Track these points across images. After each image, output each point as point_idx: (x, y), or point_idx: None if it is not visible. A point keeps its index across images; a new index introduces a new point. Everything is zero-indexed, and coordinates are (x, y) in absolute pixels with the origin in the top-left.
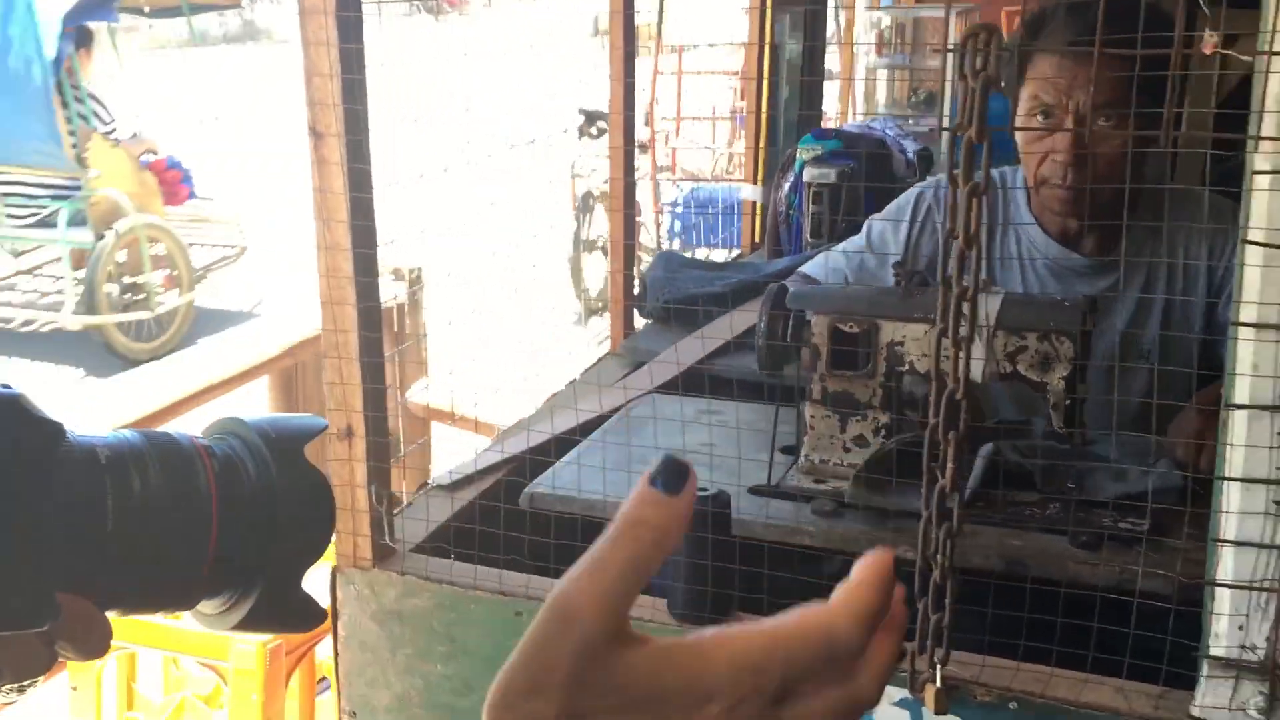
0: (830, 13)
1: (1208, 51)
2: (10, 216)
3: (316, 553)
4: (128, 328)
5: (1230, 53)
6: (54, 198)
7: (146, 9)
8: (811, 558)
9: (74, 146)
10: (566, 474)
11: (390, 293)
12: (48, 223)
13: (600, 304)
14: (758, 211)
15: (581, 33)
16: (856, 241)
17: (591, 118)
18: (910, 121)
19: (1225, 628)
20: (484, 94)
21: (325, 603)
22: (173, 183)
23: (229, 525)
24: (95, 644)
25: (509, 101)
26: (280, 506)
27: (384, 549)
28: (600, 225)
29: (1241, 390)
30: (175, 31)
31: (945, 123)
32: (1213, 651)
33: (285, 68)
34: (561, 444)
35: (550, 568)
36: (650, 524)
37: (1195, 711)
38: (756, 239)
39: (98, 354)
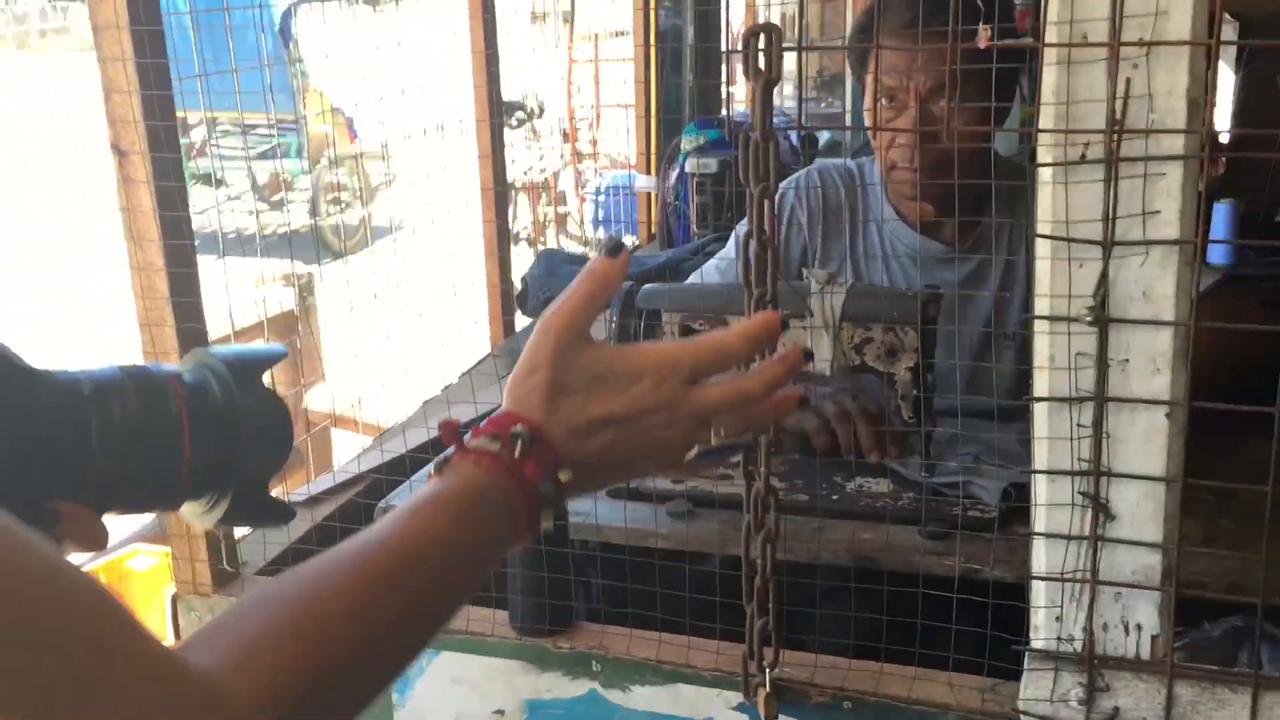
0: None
1: (982, 45)
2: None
3: (278, 460)
4: (335, 229)
5: (1007, 42)
6: (283, 134)
7: None
8: (671, 557)
9: (295, 94)
10: None
11: (279, 300)
12: (275, 154)
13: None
14: (652, 202)
15: (519, 19)
16: (728, 248)
17: (510, 108)
18: (820, 105)
19: (1043, 620)
20: (418, 84)
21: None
22: (345, 125)
23: (199, 440)
24: (93, 541)
25: (439, 91)
26: (242, 422)
27: (225, 574)
28: (524, 216)
29: (1041, 383)
30: None
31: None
32: (1033, 644)
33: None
34: (429, 453)
35: None
36: (599, 272)
37: (1020, 705)
38: (653, 230)
39: (311, 249)
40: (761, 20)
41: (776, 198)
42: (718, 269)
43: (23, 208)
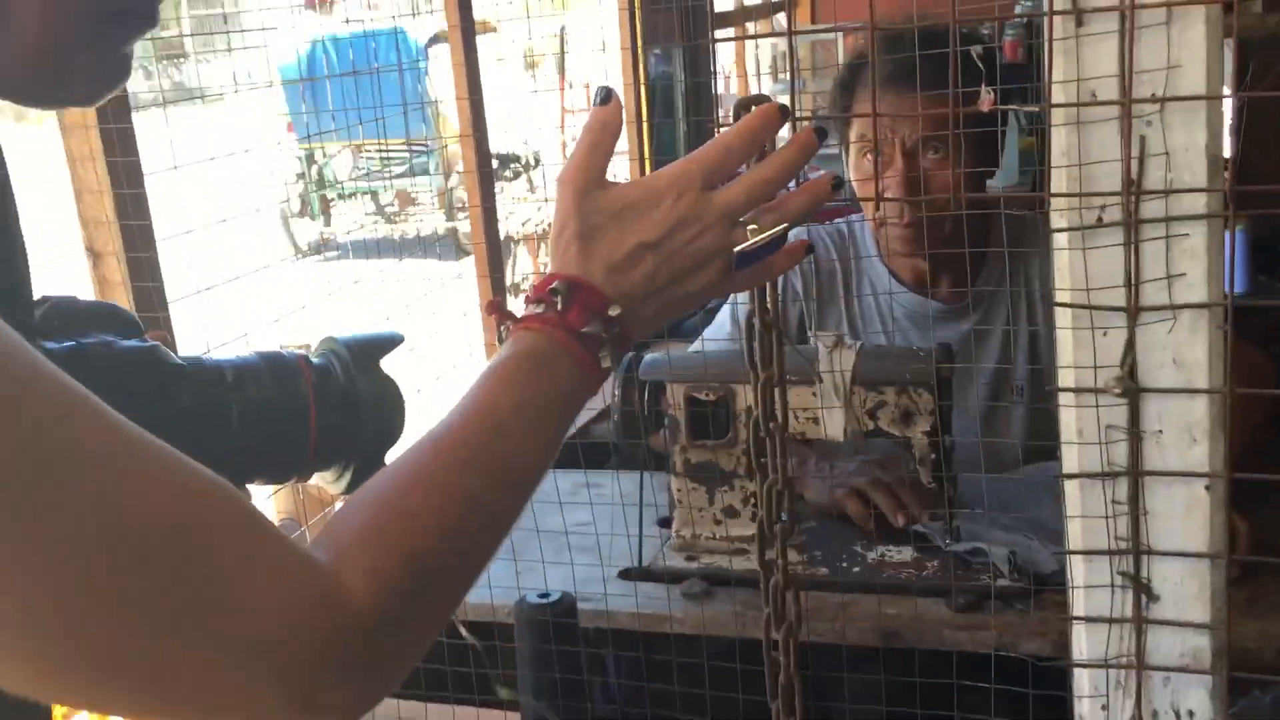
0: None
1: (985, 109)
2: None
3: (393, 434)
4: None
5: (1010, 108)
6: (421, 155)
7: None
8: (687, 640)
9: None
10: None
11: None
12: (417, 170)
13: None
14: None
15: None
16: (723, 316)
17: (505, 160)
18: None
19: (1089, 710)
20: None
21: None
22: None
23: (324, 416)
24: None
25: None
26: (361, 401)
27: None
28: (523, 265)
29: (1070, 459)
30: None
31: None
32: None
33: None
34: None
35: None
36: (597, 120)
37: None
38: None
39: (451, 249)
40: (751, 59)
41: None
42: (723, 334)
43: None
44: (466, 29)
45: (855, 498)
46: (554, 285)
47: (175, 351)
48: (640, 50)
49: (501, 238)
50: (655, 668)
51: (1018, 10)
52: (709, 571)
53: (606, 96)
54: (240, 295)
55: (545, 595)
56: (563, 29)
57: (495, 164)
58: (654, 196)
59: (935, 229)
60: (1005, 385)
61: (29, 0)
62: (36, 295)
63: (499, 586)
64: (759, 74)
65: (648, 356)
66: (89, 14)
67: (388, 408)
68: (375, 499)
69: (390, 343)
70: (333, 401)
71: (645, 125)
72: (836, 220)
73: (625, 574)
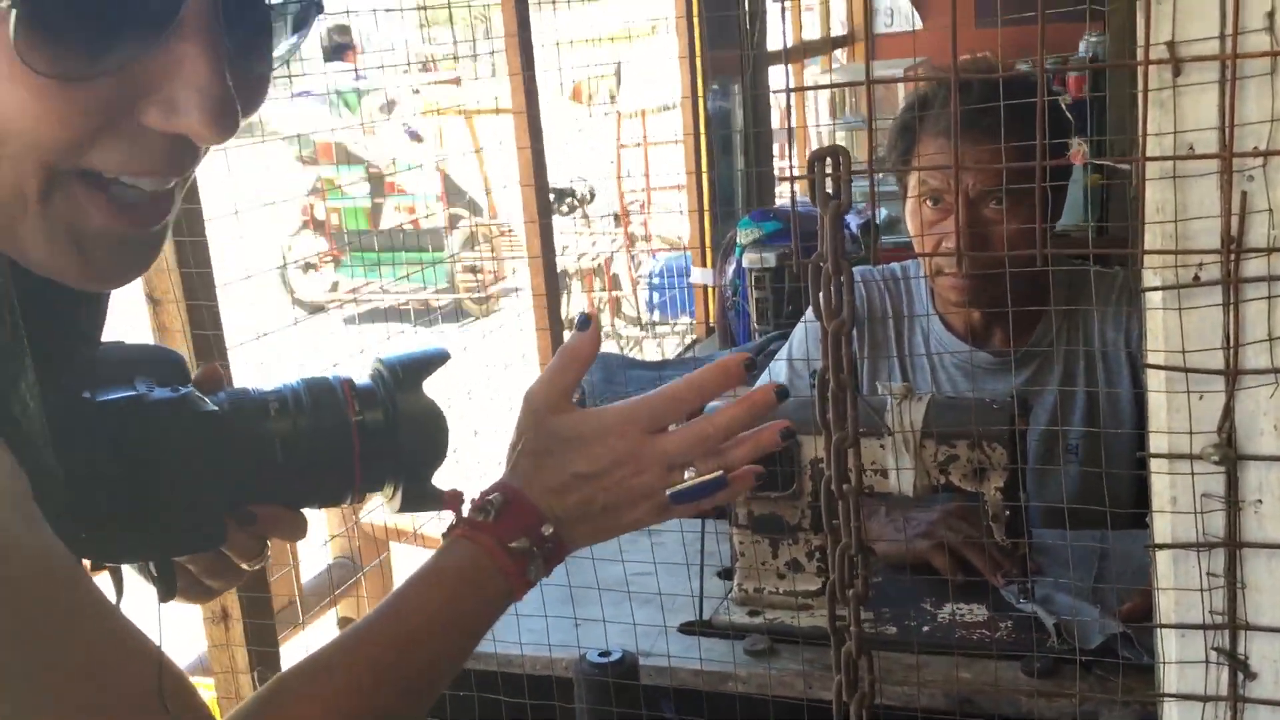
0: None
1: (1076, 161)
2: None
3: (437, 456)
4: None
5: (1104, 161)
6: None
7: None
8: (750, 700)
9: None
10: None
11: None
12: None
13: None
14: (710, 295)
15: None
16: (781, 356)
17: (561, 195)
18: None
19: None
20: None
21: None
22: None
23: (368, 440)
24: (292, 533)
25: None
26: (402, 422)
27: None
28: (577, 302)
29: (1163, 528)
30: None
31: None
32: None
33: None
34: None
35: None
36: (572, 346)
37: None
38: (711, 324)
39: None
40: (810, 97)
41: None
42: (782, 361)
43: None
44: (529, 77)
45: (940, 552)
46: (492, 496)
47: (230, 384)
48: (701, 90)
49: (558, 271)
50: None
51: (1082, 49)
52: (774, 628)
53: (584, 323)
54: (297, 339)
55: (606, 654)
56: (619, 65)
57: (552, 197)
58: (600, 433)
59: (992, 281)
60: (1057, 444)
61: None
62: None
63: (558, 642)
64: (816, 110)
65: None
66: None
67: (430, 428)
68: (300, 690)
69: (436, 360)
70: (375, 425)
71: (704, 163)
72: (891, 264)
73: (687, 628)
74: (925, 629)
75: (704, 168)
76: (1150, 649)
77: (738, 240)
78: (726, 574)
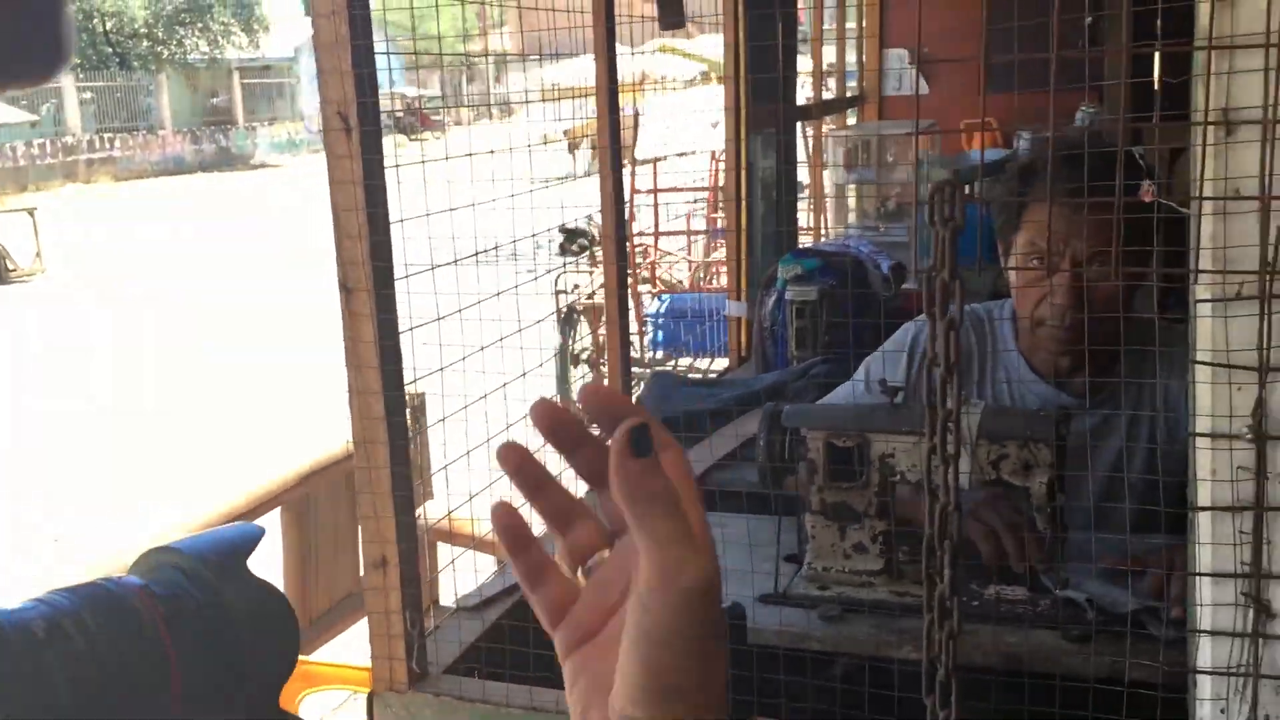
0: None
1: (1146, 199)
2: None
3: (288, 657)
4: None
5: (1168, 202)
6: None
7: None
8: (821, 660)
9: None
10: None
11: None
12: None
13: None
14: (743, 326)
15: (559, 148)
16: (858, 378)
17: (572, 235)
18: (881, 231)
19: (1209, 712)
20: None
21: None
22: None
23: (189, 658)
24: None
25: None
26: (235, 623)
27: (418, 672)
28: (585, 338)
29: (1204, 493)
30: None
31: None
32: None
33: None
34: None
35: None
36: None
37: None
38: (743, 352)
39: None
40: (828, 149)
41: (908, 339)
42: (849, 397)
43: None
44: (614, 138)
45: (981, 529)
46: None
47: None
48: (743, 139)
49: (565, 308)
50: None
51: (1079, 118)
52: (844, 599)
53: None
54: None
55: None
56: (636, 114)
57: (562, 238)
58: None
59: (1087, 333)
60: (1120, 485)
61: None
62: None
63: None
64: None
65: (788, 407)
66: None
67: (273, 624)
68: None
69: (251, 539)
70: (195, 635)
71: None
72: (974, 305)
73: (765, 598)
74: (974, 604)
75: (742, 213)
76: (1174, 623)
77: (779, 275)
78: (791, 558)
